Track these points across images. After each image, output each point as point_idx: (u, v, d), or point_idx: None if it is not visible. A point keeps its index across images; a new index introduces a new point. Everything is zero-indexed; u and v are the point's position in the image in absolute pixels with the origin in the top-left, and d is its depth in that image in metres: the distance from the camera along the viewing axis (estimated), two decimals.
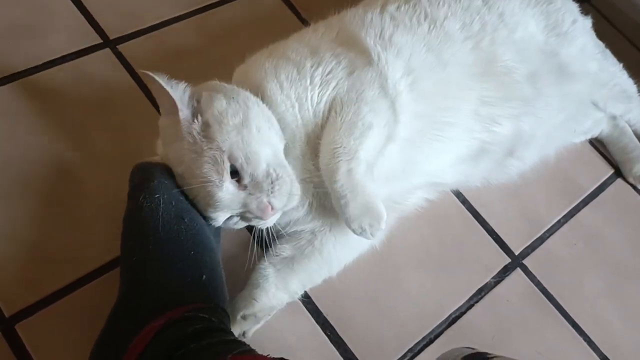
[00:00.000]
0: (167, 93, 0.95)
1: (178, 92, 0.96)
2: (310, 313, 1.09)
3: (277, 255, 1.08)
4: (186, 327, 0.82)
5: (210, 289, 0.92)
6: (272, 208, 0.94)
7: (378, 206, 0.96)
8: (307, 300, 1.10)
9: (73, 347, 0.95)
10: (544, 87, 1.19)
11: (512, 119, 1.17)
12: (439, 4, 1.16)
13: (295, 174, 1.00)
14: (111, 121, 1.21)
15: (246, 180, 0.94)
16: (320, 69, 1.02)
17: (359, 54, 1.06)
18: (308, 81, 1.02)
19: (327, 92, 1.02)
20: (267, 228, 1.00)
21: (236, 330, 1.00)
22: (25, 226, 1.06)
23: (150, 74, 0.94)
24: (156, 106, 1.24)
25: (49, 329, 0.97)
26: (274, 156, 0.97)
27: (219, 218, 0.97)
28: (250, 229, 1.07)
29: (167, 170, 0.98)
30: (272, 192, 0.94)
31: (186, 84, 0.98)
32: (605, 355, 1.18)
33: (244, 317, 1.01)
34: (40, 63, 1.25)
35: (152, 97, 1.26)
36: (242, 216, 0.97)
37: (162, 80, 0.95)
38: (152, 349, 0.80)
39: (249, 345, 0.86)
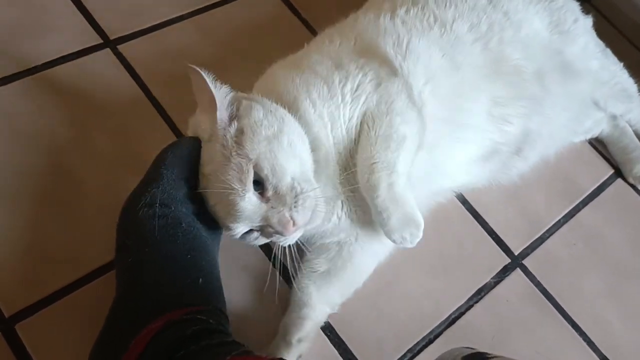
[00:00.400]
0: (210, 91, 0.94)
1: (221, 93, 0.95)
2: None
3: (314, 272, 1.07)
4: (185, 329, 0.82)
5: (208, 292, 0.92)
6: (294, 224, 0.91)
7: (417, 215, 0.98)
8: None
9: (73, 347, 0.95)
10: (550, 85, 1.20)
11: (522, 118, 1.18)
12: (445, 5, 1.16)
13: (327, 191, 1.00)
14: (111, 121, 1.21)
15: (269, 192, 0.91)
16: (349, 85, 1.02)
17: (382, 64, 1.05)
18: (339, 99, 1.01)
19: (358, 107, 1.01)
20: (289, 248, 0.97)
21: (293, 356, 1.00)
22: (25, 226, 1.06)
23: (198, 69, 0.94)
24: (157, 107, 1.25)
25: (49, 329, 0.97)
26: (301, 172, 0.94)
27: (238, 229, 0.93)
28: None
29: (176, 171, 0.95)
30: (295, 207, 0.91)
31: (230, 88, 0.98)
32: (605, 355, 1.18)
33: (299, 340, 1.01)
34: (40, 63, 1.25)
35: (152, 97, 1.26)
36: (263, 231, 0.94)
37: (208, 78, 0.94)
38: (151, 350, 0.80)
39: (247, 347, 0.86)
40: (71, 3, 1.35)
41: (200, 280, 0.90)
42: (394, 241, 0.98)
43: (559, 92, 1.21)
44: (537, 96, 1.18)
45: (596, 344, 1.19)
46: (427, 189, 1.14)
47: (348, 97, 1.01)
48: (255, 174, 0.90)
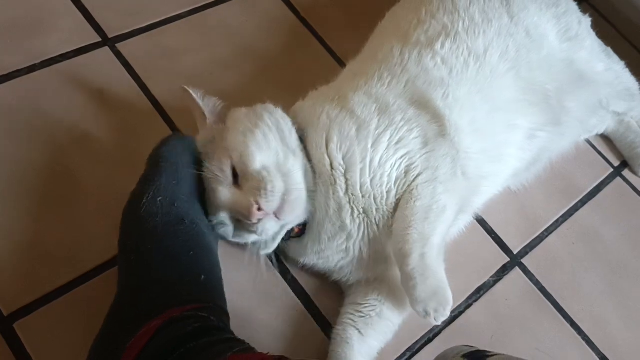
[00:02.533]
0: (198, 104, 1.04)
1: (210, 105, 1.05)
2: (309, 312, 1.09)
3: (363, 316, 1.05)
4: (185, 326, 0.82)
5: (209, 289, 0.92)
6: (259, 209, 0.93)
7: (446, 292, 0.95)
8: (305, 298, 1.10)
9: (72, 346, 0.95)
10: (568, 103, 1.20)
11: (544, 142, 1.19)
12: (475, 32, 1.14)
13: (329, 220, 1.00)
14: (110, 119, 1.21)
15: (240, 178, 0.95)
16: (388, 133, 1.00)
17: (431, 122, 1.04)
18: (369, 143, 0.99)
19: (395, 158, 0.99)
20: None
21: None
22: (24, 224, 1.06)
23: (187, 88, 1.04)
24: (156, 106, 1.25)
25: (48, 327, 0.97)
26: (277, 163, 0.96)
27: (219, 218, 0.97)
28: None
29: (175, 167, 0.97)
30: (259, 193, 0.93)
31: (220, 101, 1.06)
32: (604, 354, 1.18)
33: None
34: (39, 61, 1.24)
35: (150, 96, 1.26)
36: (242, 223, 0.97)
37: (196, 94, 1.03)
38: (151, 347, 0.80)
39: (248, 344, 0.86)
40: (70, 1, 1.34)
41: (202, 277, 0.91)
42: (418, 313, 0.96)
43: (575, 107, 1.21)
44: (559, 118, 1.19)
45: (595, 342, 1.19)
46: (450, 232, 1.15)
47: (384, 145, 0.99)
48: (232, 163, 0.96)
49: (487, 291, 1.19)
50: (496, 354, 0.79)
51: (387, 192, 1.00)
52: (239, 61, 1.37)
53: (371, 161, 0.99)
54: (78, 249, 1.05)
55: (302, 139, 1.03)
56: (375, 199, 0.99)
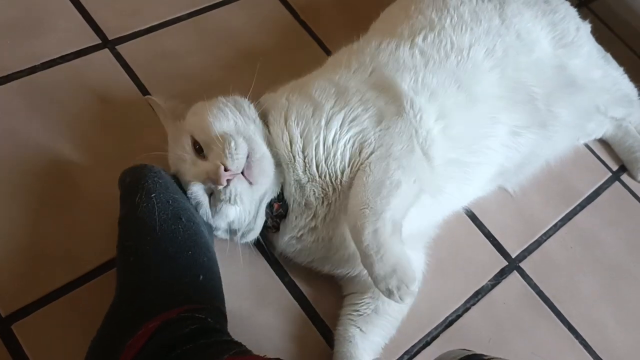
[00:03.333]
0: (162, 109, 1.11)
1: (172, 106, 1.12)
2: (307, 314, 1.09)
3: (360, 315, 1.06)
4: (183, 328, 0.83)
5: (208, 289, 0.92)
6: (226, 169, 0.94)
7: (406, 268, 0.92)
8: (302, 300, 1.10)
9: (70, 347, 0.95)
10: (558, 109, 1.20)
11: (531, 144, 1.18)
12: (462, 28, 1.15)
13: (294, 199, 1.02)
14: (109, 121, 1.21)
15: (205, 149, 0.98)
16: (342, 113, 1.01)
17: (389, 102, 1.04)
18: (323, 122, 1.00)
19: (349, 134, 1.00)
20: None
21: None
22: (22, 226, 1.06)
23: (150, 97, 1.14)
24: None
25: (46, 329, 0.97)
26: (235, 129, 0.99)
27: (196, 194, 0.99)
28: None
29: (158, 170, 0.99)
30: (223, 154, 0.95)
31: (183, 104, 1.11)
32: (601, 358, 1.18)
33: None
34: (39, 63, 1.25)
35: None
36: (214, 194, 0.98)
37: (157, 99, 1.12)
38: (148, 349, 0.80)
39: (245, 346, 0.86)
40: (70, 3, 1.35)
41: (200, 277, 0.91)
42: (382, 293, 0.93)
43: (564, 113, 1.21)
44: (544, 121, 1.19)
45: (592, 346, 1.19)
46: (432, 218, 1.15)
47: (336, 123, 1.00)
48: (195, 141, 0.99)
49: (485, 295, 1.20)
50: (493, 358, 0.79)
51: (341, 172, 1.00)
52: (238, 63, 1.37)
53: (324, 139, 1.00)
54: (76, 250, 1.05)
55: (266, 125, 1.05)
56: (331, 178, 1.00)
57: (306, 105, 1.02)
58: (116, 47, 1.32)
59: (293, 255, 1.09)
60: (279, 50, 1.43)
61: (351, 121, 1.01)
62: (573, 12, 1.31)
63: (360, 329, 1.05)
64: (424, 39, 1.13)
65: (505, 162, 1.17)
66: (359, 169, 0.99)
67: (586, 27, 1.32)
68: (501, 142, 1.14)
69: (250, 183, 0.97)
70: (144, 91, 1.27)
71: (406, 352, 1.09)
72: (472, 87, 1.10)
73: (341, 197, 1.00)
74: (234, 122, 1.00)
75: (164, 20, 1.39)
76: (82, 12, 1.35)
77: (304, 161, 1.00)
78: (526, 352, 1.14)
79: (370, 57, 1.12)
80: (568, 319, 1.21)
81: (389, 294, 0.92)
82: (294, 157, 1.00)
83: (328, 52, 1.45)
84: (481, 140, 1.12)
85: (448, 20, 1.16)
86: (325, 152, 1.00)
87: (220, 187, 0.95)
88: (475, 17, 1.17)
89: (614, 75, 1.36)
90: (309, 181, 1.01)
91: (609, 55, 1.38)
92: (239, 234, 1.02)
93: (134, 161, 1.03)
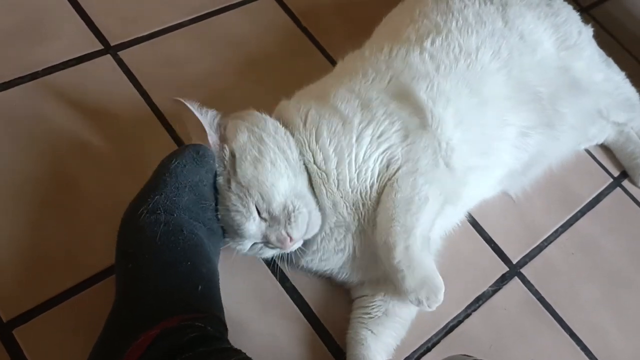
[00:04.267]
0: (197, 118, 1.00)
1: (208, 118, 1.02)
2: (307, 320, 1.09)
3: (371, 317, 1.06)
4: (182, 336, 0.82)
5: (207, 299, 0.92)
6: (291, 239, 0.98)
7: (435, 279, 0.97)
8: (304, 306, 1.10)
9: (71, 353, 0.95)
10: (562, 108, 1.20)
11: (538, 144, 1.19)
12: (468, 31, 1.16)
13: (326, 218, 1.02)
14: (111, 127, 1.21)
15: (263, 214, 0.97)
16: (371, 128, 1.01)
17: (412, 114, 1.05)
18: (354, 138, 1.01)
19: (377, 152, 1.01)
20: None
21: None
22: (24, 231, 1.06)
23: (182, 100, 1.00)
24: (157, 114, 1.25)
25: (47, 334, 0.97)
26: (291, 188, 0.98)
27: (244, 245, 1.01)
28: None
29: (183, 182, 0.96)
30: (289, 224, 0.97)
31: (215, 112, 1.03)
32: None
33: None
34: (41, 69, 1.25)
35: (152, 104, 1.27)
36: (265, 244, 1.00)
37: (192, 106, 1.00)
38: (148, 356, 0.80)
39: (245, 354, 0.86)
40: (72, 9, 1.35)
41: (200, 287, 0.91)
42: (411, 302, 0.97)
43: (569, 113, 1.22)
44: (551, 121, 1.19)
45: (593, 352, 1.19)
46: (444, 227, 1.16)
47: (367, 140, 1.01)
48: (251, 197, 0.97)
49: (485, 301, 1.19)
50: None
51: (370, 187, 1.01)
52: (240, 69, 1.38)
53: (356, 155, 1.01)
54: (78, 255, 1.05)
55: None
56: (361, 193, 1.01)
57: (335, 120, 1.02)
58: (118, 53, 1.32)
59: (308, 267, 1.09)
60: (281, 56, 1.43)
61: (379, 136, 1.02)
62: (575, 15, 1.32)
63: (372, 332, 1.05)
64: (432, 43, 1.13)
65: (514, 163, 1.18)
66: (386, 184, 1.01)
67: (588, 30, 1.32)
68: (511, 143, 1.16)
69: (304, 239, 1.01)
70: (146, 97, 1.27)
71: (406, 358, 1.09)
72: (482, 89, 1.11)
73: (370, 210, 1.02)
74: (287, 179, 0.99)
75: (166, 26, 1.40)
76: (84, 18, 1.35)
77: (337, 178, 1.01)
78: (527, 358, 1.14)
79: (385, 64, 1.12)
80: (569, 325, 1.21)
81: (418, 303, 0.96)
82: (328, 176, 1.01)
83: (329, 58, 1.46)
84: (493, 143, 1.14)
85: (454, 24, 1.16)
86: (357, 170, 1.01)
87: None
88: (479, 19, 1.18)
89: (616, 79, 1.36)
90: (342, 197, 1.01)
91: (610, 59, 1.38)
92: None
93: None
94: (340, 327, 1.09)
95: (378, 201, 1.01)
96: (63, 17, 1.34)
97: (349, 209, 1.02)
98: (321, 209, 1.02)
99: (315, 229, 1.01)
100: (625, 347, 1.21)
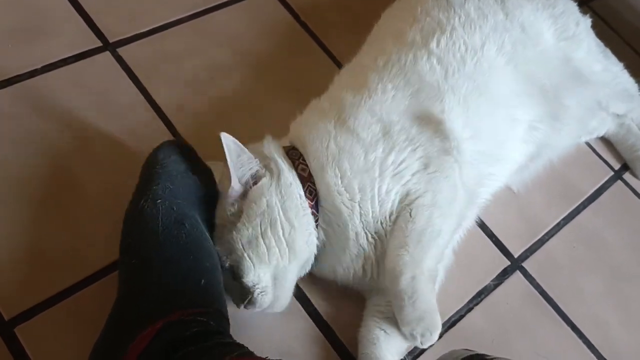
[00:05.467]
0: (228, 165, 0.96)
1: (242, 165, 0.98)
2: (309, 315, 1.09)
3: (386, 317, 1.05)
4: (184, 330, 0.83)
5: (210, 294, 0.92)
6: (245, 307, 0.99)
7: (434, 317, 0.96)
8: (306, 303, 1.10)
9: (73, 350, 0.95)
10: (565, 99, 1.21)
11: (543, 135, 1.19)
12: (471, 26, 1.15)
13: (346, 249, 1.02)
14: (111, 124, 1.21)
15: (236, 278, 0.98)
16: (392, 156, 1.01)
17: (432, 137, 1.04)
18: (377, 172, 1.00)
19: (399, 184, 1.01)
20: None
21: None
22: (24, 229, 1.06)
23: (224, 140, 0.94)
24: (157, 110, 1.25)
25: (49, 332, 0.97)
26: (273, 272, 0.98)
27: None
28: None
29: (173, 170, 0.98)
30: (248, 300, 0.98)
31: (256, 160, 0.99)
32: (605, 358, 1.18)
33: None
34: (40, 66, 1.25)
35: (152, 101, 1.26)
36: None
37: (230, 150, 0.95)
38: (151, 350, 0.81)
39: (247, 348, 0.86)
40: (71, 6, 1.35)
41: (202, 281, 0.91)
42: (404, 335, 0.97)
43: (571, 104, 1.22)
44: (557, 113, 1.19)
45: (596, 346, 1.19)
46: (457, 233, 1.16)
47: (389, 171, 1.00)
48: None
49: (487, 295, 1.19)
50: (496, 358, 0.79)
51: (389, 216, 1.01)
52: (240, 65, 1.37)
53: (379, 189, 1.00)
54: (79, 253, 1.05)
55: (297, 159, 1.03)
56: (381, 223, 1.01)
57: (357, 151, 1.01)
58: (117, 49, 1.32)
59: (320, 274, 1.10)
60: (280, 52, 1.43)
61: (400, 164, 1.01)
62: (573, 6, 1.32)
63: (385, 331, 1.04)
64: (438, 43, 1.12)
65: (522, 158, 1.19)
66: (403, 209, 1.01)
67: (586, 21, 1.32)
68: (520, 139, 1.16)
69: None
70: (146, 94, 1.27)
71: (409, 353, 1.09)
72: (492, 90, 1.11)
73: (388, 236, 1.02)
74: (274, 265, 0.98)
75: (165, 22, 1.39)
76: (83, 15, 1.35)
77: (360, 212, 1.00)
78: (529, 352, 1.14)
79: (401, 78, 1.09)
80: (571, 318, 1.21)
81: (412, 338, 0.97)
82: (352, 211, 1.01)
83: (329, 54, 1.45)
84: (505, 144, 1.14)
85: (457, 20, 1.16)
86: (380, 202, 1.01)
87: None
88: (481, 13, 1.18)
89: (614, 70, 1.37)
90: (363, 228, 1.01)
91: (608, 50, 1.38)
92: None
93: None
94: (343, 322, 1.09)
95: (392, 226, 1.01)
96: (62, 14, 1.33)
97: (370, 238, 1.02)
98: (341, 241, 1.02)
99: (279, 310, 1.01)
100: (627, 340, 1.21)
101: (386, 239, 1.02)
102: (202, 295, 0.90)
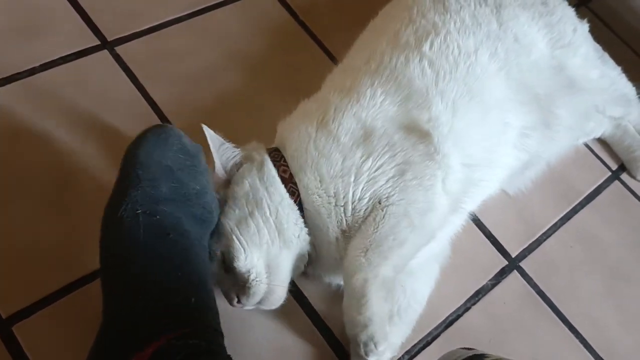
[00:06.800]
0: (213, 154, 0.99)
1: (224, 154, 1.01)
2: (307, 314, 1.09)
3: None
4: (174, 356, 0.79)
5: (200, 310, 0.87)
6: (239, 302, 0.97)
7: (380, 328, 0.92)
8: (304, 301, 1.10)
9: (71, 348, 0.95)
10: (558, 109, 1.20)
11: (536, 144, 1.18)
12: (465, 32, 1.15)
13: (331, 255, 1.02)
14: (109, 122, 1.21)
15: (229, 268, 0.97)
16: (369, 162, 0.99)
17: (417, 143, 1.02)
18: (352, 177, 0.99)
19: (373, 189, 0.99)
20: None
21: None
22: (22, 227, 1.06)
23: (205, 128, 0.99)
24: (155, 109, 1.25)
25: (47, 330, 0.97)
26: (266, 259, 0.98)
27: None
28: None
29: (152, 168, 0.91)
30: (242, 291, 0.96)
31: (237, 150, 1.02)
32: (602, 357, 1.18)
33: None
34: (38, 65, 1.25)
35: (150, 99, 1.26)
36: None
37: (212, 139, 0.99)
38: None
39: None
40: (69, 4, 1.35)
41: (193, 299, 0.86)
42: (350, 340, 0.96)
43: (564, 114, 1.21)
44: (549, 122, 1.19)
45: (593, 346, 1.19)
46: (444, 239, 1.16)
47: (364, 176, 0.99)
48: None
49: (485, 295, 1.19)
50: (496, 357, 0.79)
51: (360, 219, 1.00)
52: (238, 64, 1.37)
53: (353, 194, 0.99)
54: (77, 251, 1.05)
55: (278, 160, 1.03)
56: (352, 227, 1.00)
57: (335, 157, 1.00)
58: (115, 48, 1.32)
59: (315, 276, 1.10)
60: (278, 50, 1.43)
61: (376, 169, 0.99)
62: (570, 12, 1.31)
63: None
64: (431, 46, 1.12)
65: (515, 164, 1.18)
66: (373, 209, 0.99)
67: (583, 27, 1.32)
68: (512, 144, 1.15)
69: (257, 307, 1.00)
70: (144, 92, 1.27)
71: (406, 352, 1.09)
72: (484, 95, 1.11)
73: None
74: (266, 250, 0.98)
75: (163, 21, 1.39)
76: (81, 13, 1.35)
77: (336, 216, 1.00)
78: (526, 352, 1.14)
79: (392, 82, 1.08)
80: (568, 318, 1.21)
81: (356, 345, 0.94)
82: (329, 213, 1.00)
83: (327, 52, 1.45)
84: (496, 148, 1.13)
85: (452, 24, 1.15)
86: (353, 207, 1.00)
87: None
88: (475, 21, 1.17)
89: (612, 75, 1.36)
90: (341, 233, 1.01)
91: (606, 55, 1.37)
92: None
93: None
94: (340, 321, 1.08)
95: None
96: (60, 13, 1.33)
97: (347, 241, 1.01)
98: (328, 245, 1.01)
99: (274, 305, 1.00)
100: (624, 340, 1.22)
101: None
102: (193, 313, 0.86)
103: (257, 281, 0.96)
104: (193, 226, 0.93)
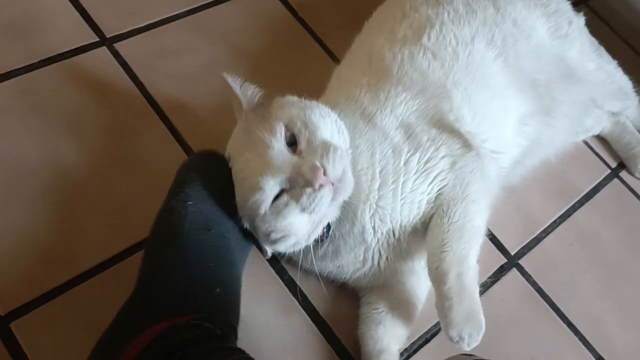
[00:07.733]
0: (234, 92, 0.98)
1: (247, 93, 0.99)
2: (307, 312, 1.09)
3: (380, 312, 1.06)
4: (188, 333, 0.82)
5: (222, 303, 0.90)
6: (325, 172, 0.86)
7: (480, 316, 0.92)
8: (304, 299, 1.10)
9: (69, 346, 0.95)
10: (558, 95, 1.20)
11: (536, 131, 1.19)
12: (460, 21, 1.15)
13: (349, 239, 0.99)
14: (107, 119, 1.21)
15: (302, 145, 0.89)
16: (417, 156, 0.99)
17: (452, 135, 1.03)
18: (402, 162, 0.98)
19: (427, 183, 0.98)
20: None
21: None
22: (20, 224, 1.05)
23: (226, 76, 0.98)
24: (154, 105, 1.25)
25: (45, 327, 0.97)
26: (338, 139, 0.94)
27: (267, 186, 0.87)
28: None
29: (208, 178, 0.97)
30: (326, 158, 0.87)
31: (258, 89, 1.00)
32: (601, 355, 1.18)
33: None
34: (37, 61, 1.24)
35: (148, 96, 1.26)
36: (293, 190, 0.88)
37: (234, 81, 0.98)
38: (151, 349, 0.80)
39: (248, 354, 0.84)
40: (67, 1, 1.34)
41: (217, 290, 0.89)
42: (450, 338, 0.92)
43: (564, 101, 1.22)
44: (549, 108, 1.19)
45: (592, 343, 1.19)
46: None
47: (413, 165, 0.98)
48: (288, 130, 0.90)
49: (484, 292, 1.19)
50: None
51: (414, 217, 0.99)
52: (237, 61, 1.37)
53: (403, 184, 0.97)
54: (75, 248, 1.05)
55: None
56: (400, 223, 0.99)
57: (387, 145, 0.99)
58: (114, 44, 1.32)
59: (321, 271, 1.08)
60: (278, 47, 1.43)
61: (427, 162, 0.99)
62: (565, 5, 1.31)
63: (384, 325, 1.05)
64: (429, 38, 1.12)
65: (517, 149, 1.18)
66: (437, 207, 0.99)
67: (578, 20, 1.32)
68: (514, 131, 1.16)
69: (333, 199, 0.89)
70: (142, 88, 1.26)
71: (405, 350, 1.09)
72: (487, 82, 1.11)
73: (406, 232, 1.00)
74: (331, 133, 0.93)
75: (162, 17, 1.39)
76: (80, 10, 1.34)
77: (377, 204, 0.97)
78: (525, 349, 1.14)
79: (408, 78, 1.08)
80: (567, 315, 1.21)
81: (459, 339, 0.92)
82: (367, 197, 0.97)
83: (326, 49, 1.45)
84: (502, 134, 1.14)
85: (445, 15, 1.16)
86: (402, 200, 0.98)
87: (309, 190, 0.86)
88: (469, 9, 1.17)
89: (608, 68, 1.36)
90: (373, 226, 0.99)
91: (602, 48, 1.37)
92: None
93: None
94: (339, 318, 1.09)
95: (412, 232, 1.00)
96: (59, 9, 1.33)
97: (378, 234, 0.99)
98: (348, 223, 0.98)
99: (348, 190, 0.91)
100: (623, 338, 1.22)
101: (396, 236, 1.00)
102: (214, 304, 0.89)
103: (339, 147, 0.90)
104: (233, 236, 0.96)
